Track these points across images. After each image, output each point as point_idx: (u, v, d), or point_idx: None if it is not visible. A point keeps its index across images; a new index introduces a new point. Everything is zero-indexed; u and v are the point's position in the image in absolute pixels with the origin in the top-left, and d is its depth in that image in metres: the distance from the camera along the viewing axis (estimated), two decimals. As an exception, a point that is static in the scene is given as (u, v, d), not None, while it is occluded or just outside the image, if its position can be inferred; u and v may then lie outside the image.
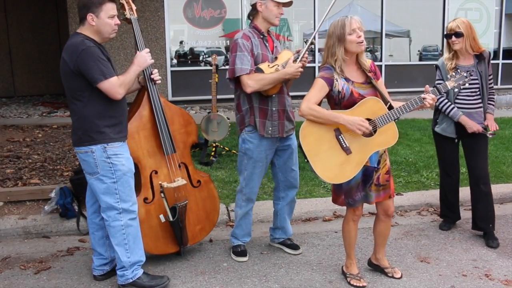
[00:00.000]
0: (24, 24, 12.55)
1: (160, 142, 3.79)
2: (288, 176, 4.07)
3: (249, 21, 3.92)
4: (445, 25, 11.92)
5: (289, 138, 3.98)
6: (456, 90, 3.57)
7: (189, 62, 11.26)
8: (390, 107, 3.35)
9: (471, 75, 3.49)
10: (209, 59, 7.96)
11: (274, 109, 3.82)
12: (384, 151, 3.50)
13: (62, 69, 3.33)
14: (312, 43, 3.80)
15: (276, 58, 3.83)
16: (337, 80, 3.35)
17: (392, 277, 3.70)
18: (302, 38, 12.10)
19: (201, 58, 11.29)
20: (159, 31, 10.27)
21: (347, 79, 3.36)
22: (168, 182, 3.81)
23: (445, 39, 4.34)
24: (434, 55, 12.50)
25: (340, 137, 3.32)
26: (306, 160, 3.35)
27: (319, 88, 3.35)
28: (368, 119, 3.31)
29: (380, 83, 3.50)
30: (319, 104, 3.37)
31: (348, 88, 3.34)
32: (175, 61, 11.08)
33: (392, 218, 4.90)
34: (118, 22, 3.41)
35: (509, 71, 12.52)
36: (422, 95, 3.32)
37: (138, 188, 3.71)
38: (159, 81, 3.75)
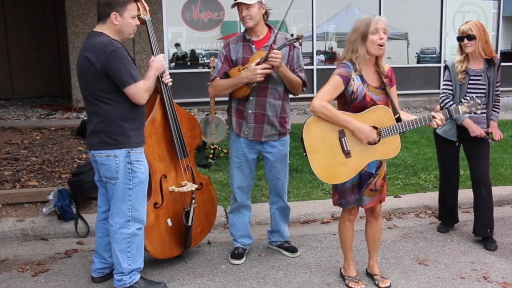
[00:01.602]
0: (22, 26, 12.53)
1: (170, 146, 3.78)
2: (274, 184, 4.05)
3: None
4: (443, 28, 12.09)
5: (272, 145, 3.91)
6: (466, 115, 3.50)
7: (188, 64, 11.27)
8: (398, 119, 3.33)
9: (482, 102, 3.42)
10: (208, 61, 7.97)
11: (250, 111, 3.82)
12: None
13: (84, 69, 3.23)
14: (292, 40, 3.74)
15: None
16: (353, 80, 3.30)
17: (378, 286, 3.63)
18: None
19: (199, 60, 11.30)
20: (157, 33, 10.26)
21: (363, 81, 3.32)
22: (176, 186, 3.81)
23: (457, 42, 4.29)
24: (432, 57, 12.53)
25: (343, 139, 3.31)
26: (305, 154, 3.35)
27: (334, 86, 3.29)
28: (374, 127, 3.30)
29: (393, 91, 3.45)
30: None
31: (362, 90, 3.30)
32: (173, 63, 11.10)
33: (390, 220, 4.94)
34: (138, 22, 3.39)
35: (507, 73, 12.54)
36: (432, 113, 3.30)
37: (148, 193, 3.66)
38: (171, 83, 3.74)
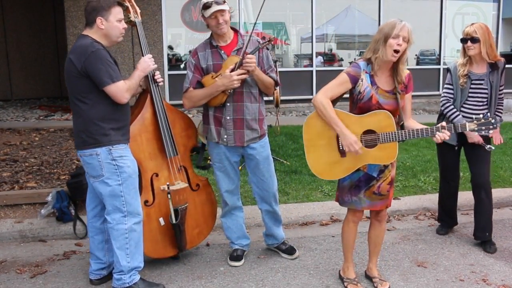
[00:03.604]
0: (21, 27, 12.52)
1: (161, 145, 3.79)
2: (259, 187, 4.00)
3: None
4: (443, 30, 12.09)
5: (252, 147, 3.88)
6: (476, 131, 3.29)
7: (186, 65, 11.26)
8: (402, 127, 3.33)
9: (496, 123, 3.24)
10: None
11: (228, 118, 3.79)
12: (391, 163, 3.44)
13: (67, 71, 3.31)
14: (264, 43, 3.70)
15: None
16: (362, 80, 3.29)
17: None
18: (299, 42, 12.13)
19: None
20: (157, 34, 10.27)
21: (373, 83, 3.30)
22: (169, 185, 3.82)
23: (461, 44, 4.23)
24: (431, 59, 12.54)
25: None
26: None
27: (339, 83, 3.32)
28: (373, 131, 3.29)
29: (407, 98, 3.42)
30: (338, 99, 3.37)
31: (369, 92, 3.28)
32: (172, 64, 11.08)
33: (389, 222, 4.93)
34: (125, 26, 3.45)
35: (506, 75, 12.54)
36: (437, 127, 3.27)
37: (139, 190, 3.69)
38: (162, 83, 3.78)
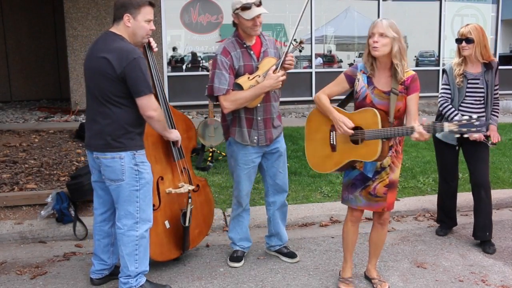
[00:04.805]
0: (21, 29, 12.53)
1: (165, 148, 3.79)
2: (276, 179, 4.02)
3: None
4: (442, 31, 12.10)
5: (278, 141, 3.96)
6: (458, 131, 3.09)
7: (186, 67, 11.27)
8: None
9: (480, 126, 3.02)
10: (206, 64, 7.97)
11: (259, 118, 3.80)
12: (389, 165, 3.43)
13: (100, 70, 3.19)
14: (296, 44, 3.75)
15: (257, 68, 3.75)
16: (358, 80, 3.38)
17: None
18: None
19: (198, 63, 11.29)
20: (156, 36, 10.27)
21: (370, 83, 3.34)
22: (173, 188, 3.82)
23: (456, 44, 4.27)
24: (430, 60, 12.55)
25: (332, 133, 3.43)
26: None
27: (337, 82, 3.48)
28: (361, 128, 3.30)
29: (411, 99, 3.34)
30: (348, 100, 3.51)
31: (365, 92, 3.34)
32: (172, 66, 11.09)
33: (389, 223, 4.93)
34: (153, 27, 3.39)
35: (506, 77, 12.55)
36: (414, 125, 3.17)
37: None
38: (156, 49, 3.72)
